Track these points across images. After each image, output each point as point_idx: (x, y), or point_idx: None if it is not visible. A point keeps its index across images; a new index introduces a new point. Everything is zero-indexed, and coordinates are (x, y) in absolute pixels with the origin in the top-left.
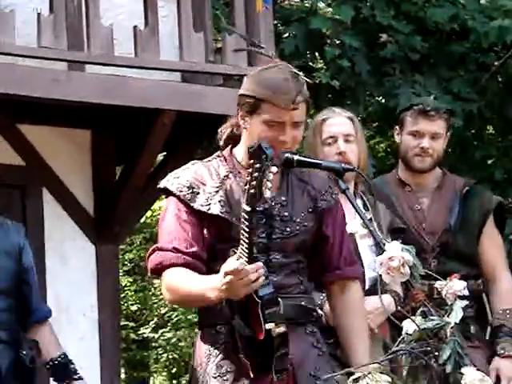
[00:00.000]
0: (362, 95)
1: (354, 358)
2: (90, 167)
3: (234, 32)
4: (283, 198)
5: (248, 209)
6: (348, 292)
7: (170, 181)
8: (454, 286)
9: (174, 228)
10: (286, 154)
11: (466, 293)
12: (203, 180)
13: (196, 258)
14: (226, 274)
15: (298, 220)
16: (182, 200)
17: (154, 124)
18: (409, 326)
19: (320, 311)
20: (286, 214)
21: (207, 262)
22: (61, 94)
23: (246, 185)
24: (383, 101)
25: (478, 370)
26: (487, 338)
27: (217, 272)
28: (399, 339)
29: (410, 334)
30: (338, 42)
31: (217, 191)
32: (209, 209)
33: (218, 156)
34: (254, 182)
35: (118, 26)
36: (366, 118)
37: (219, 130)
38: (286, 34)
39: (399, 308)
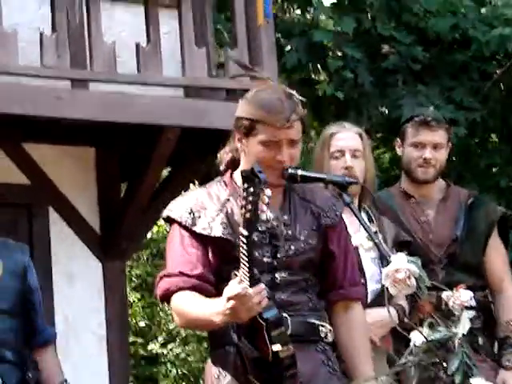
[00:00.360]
0: (365, 106)
1: (362, 371)
2: (95, 184)
3: (232, 59)
4: (286, 217)
5: (245, 233)
6: (351, 312)
7: (171, 209)
8: (461, 297)
9: (178, 254)
10: (290, 170)
11: (473, 303)
12: (204, 205)
13: (202, 279)
14: (229, 298)
15: (302, 238)
16: (184, 225)
17: (158, 140)
18: (417, 338)
19: (328, 326)
20: (289, 232)
21: (216, 283)
22: (64, 112)
23: (241, 209)
24: (386, 112)
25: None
26: (495, 349)
27: None
28: (407, 351)
29: (418, 346)
30: (340, 53)
31: (218, 214)
32: (211, 231)
33: (218, 181)
34: (249, 206)
35: (120, 44)
36: (369, 129)
37: (218, 155)
38: (288, 48)
39: (406, 320)
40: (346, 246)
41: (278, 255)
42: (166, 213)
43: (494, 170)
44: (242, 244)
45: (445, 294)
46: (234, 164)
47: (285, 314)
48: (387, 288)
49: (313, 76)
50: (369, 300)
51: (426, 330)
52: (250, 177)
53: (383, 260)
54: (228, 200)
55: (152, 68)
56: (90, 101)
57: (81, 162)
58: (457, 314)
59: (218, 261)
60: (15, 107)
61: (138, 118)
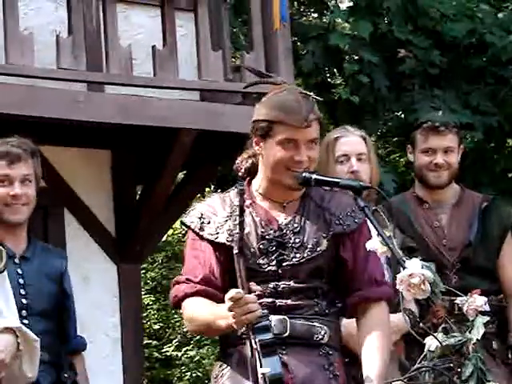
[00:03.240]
0: (381, 111)
1: (368, 371)
2: (111, 187)
3: (245, 67)
4: (296, 225)
5: (235, 251)
6: (370, 312)
7: (186, 214)
8: (475, 302)
9: (188, 259)
10: (304, 174)
11: (487, 308)
12: (215, 211)
13: (207, 284)
14: (228, 300)
15: (310, 246)
16: (193, 230)
17: (173, 143)
18: (431, 343)
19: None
20: (297, 240)
21: (225, 287)
22: (80, 114)
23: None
24: (402, 116)
25: None
26: (510, 355)
27: None
28: (422, 356)
29: (433, 351)
30: (356, 57)
31: (226, 221)
32: (216, 237)
33: (236, 187)
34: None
35: (136, 46)
36: (385, 133)
37: (236, 162)
38: (304, 51)
39: (421, 325)
40: (365, 250)
41: (284, 264)
42: (182, 218)
43: (510, 174)
44: (235, 258)
45: (459, 299)
46: (252, 170)
47: (285, 316)
48: (402, 293)
49: (329, 80)
50: None
51: (440, 335)
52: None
53: (398, 265)
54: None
55: (168, 71)
56: (106, 103)
57: (96, 165)
58: (471, 319)
59: (226, 266)
60: (31, 110)
61: (153, 120)
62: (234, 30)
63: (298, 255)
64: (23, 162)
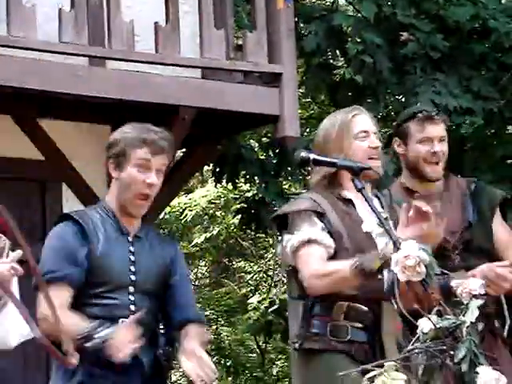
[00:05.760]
0: (382, 93)
1: None
2: None
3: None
4: None
5: None
6: None
7: None
8: (470, 285)
9: None
10: (302, 154)
11: (482, 291)
12: None
13: None
14: None
15: None
16: None
17: (173, 120)
18: (425, 325)
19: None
20: None
21: None
22: (81, 89)
23: None
24: (403, 99)
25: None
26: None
27: None
28: (414, 338)
29: (426, 333)
30: (359, 39)
31: None
32: None
33: None
34: None
35: (138, 22)
36: (385, 116)
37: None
38: (307, 32)
39: (415, 306)
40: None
41: None
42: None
43: (509, 161)
44: None
45: (454, 282)
46: None
47: None
48: (396, 274)
49: (331, 61)
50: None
51: (434, 317)
52: None
53: (394, 246)
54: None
55: (170, 48)
56: (107, 78)
57: (96, 140)
58: (465, 302)
59: None
60: (32, 82)
61: (154, 97)
62: (238, 8)
63: None
64: (165, 154)
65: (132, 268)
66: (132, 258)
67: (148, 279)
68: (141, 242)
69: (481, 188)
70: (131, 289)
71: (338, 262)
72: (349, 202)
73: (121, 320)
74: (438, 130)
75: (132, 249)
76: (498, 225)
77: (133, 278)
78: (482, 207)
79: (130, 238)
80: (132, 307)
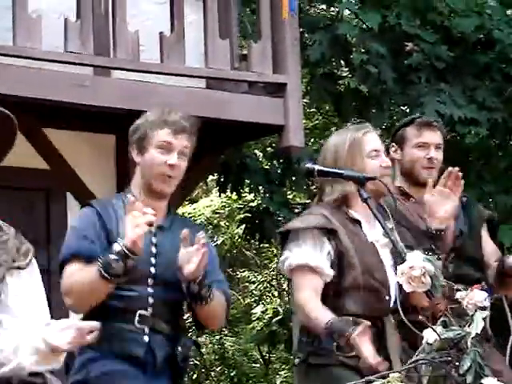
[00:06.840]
0: (386, 103)
1: None
2: (115, 172)
3: None
4: None
5: None
6: None
7: None
8: (475, 297)
9: None
10: (307, 165)
11: (487, 304)
12: None
13: None
14: None
15: None
16: None
17: None
18: (429, 336)
19: None
20: None
21: None
22: (86, 99)
23: None
24: (407, 110)
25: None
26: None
27: None
28: (419, 349)
29: (431, 344)
30: (363, 49)
31: None
32: None
33: None
34: None
35: (144, 32)
36: (389, 127)
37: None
38: (312, 41)
39: (420, 318)
40: None
41: None
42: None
43: None
44: None
45: (459, 294)
46: None
47: None
48: (401, 285)
49: (335, 71)
50: (393, 298)
51: (439, 328)
52: None
53: (399, 256)
54: None
55: (175, 58)
56: (112, 88)
57: (101, 150)
58: (470, 313)
59: None
60: (37, 92)
61: (158, 107)
62: (242, 18)
63: None
64: (187, 134)
65: (153, 260)
66: (154, 250)
67: (169, 271)
68: (165, 232)
69: (471, 202)
70: (150, 281)
71: (322, 311)
72: (357, 222)
73: (138, 312)
74: (435, 136)
75: (154, 240)
76: (486, 236)
77: (153, 270)
78: (472, 219)
79: (153, 229)
80: (150, 299)
